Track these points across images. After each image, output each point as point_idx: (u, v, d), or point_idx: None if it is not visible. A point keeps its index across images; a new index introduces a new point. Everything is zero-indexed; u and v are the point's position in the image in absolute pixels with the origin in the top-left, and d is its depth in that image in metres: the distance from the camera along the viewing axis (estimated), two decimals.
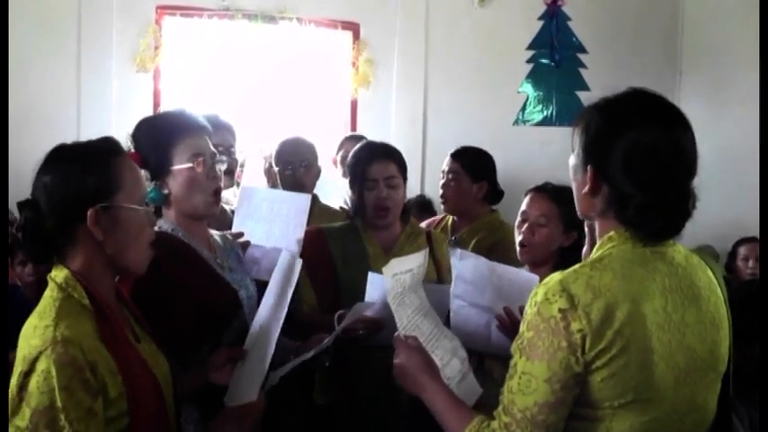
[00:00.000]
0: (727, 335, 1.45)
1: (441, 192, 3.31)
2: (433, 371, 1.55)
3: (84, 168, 1.47)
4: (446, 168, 3.30)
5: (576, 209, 1.52)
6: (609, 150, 1.37)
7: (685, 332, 1.35)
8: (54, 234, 1.46)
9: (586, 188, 1.42)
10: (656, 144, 1.36)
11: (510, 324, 2.04)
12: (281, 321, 1.74)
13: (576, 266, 1.37)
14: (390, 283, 1.61)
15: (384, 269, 1.57)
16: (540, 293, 1.34)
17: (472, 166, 3.26)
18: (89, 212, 1.44)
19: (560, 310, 1.30)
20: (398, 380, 1.57)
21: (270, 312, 1.81)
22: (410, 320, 1.65)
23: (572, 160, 1.49)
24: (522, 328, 1.35)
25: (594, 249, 1.44)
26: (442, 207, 3.39)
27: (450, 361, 1.70)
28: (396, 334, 1.60)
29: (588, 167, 1.41)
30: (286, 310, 1.76)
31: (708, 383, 1.41)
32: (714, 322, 1.41)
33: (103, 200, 1.46)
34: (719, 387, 1.45)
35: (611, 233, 1.41)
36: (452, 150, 3.35)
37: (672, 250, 1.42)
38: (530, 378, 1.31)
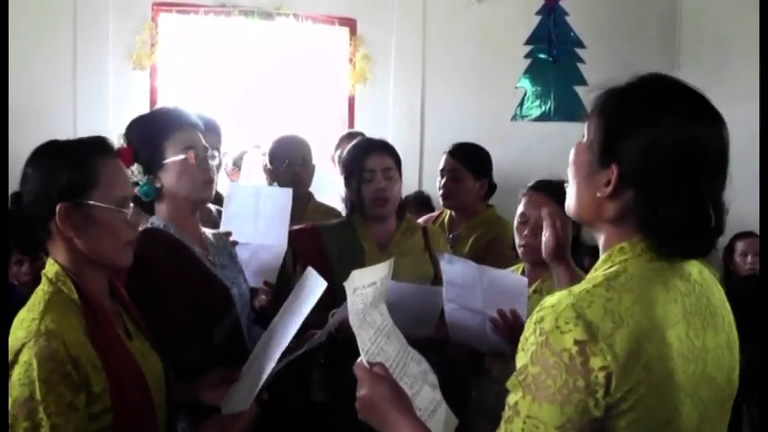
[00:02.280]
0: (738, 357, 1.28)
1: (441, 191, 3.27)
2: (405, 404, 1.32)
3: (59, 163, 1.48)
4: (446, 167, 3.27)
5: (572, 212, 1.29)
6: (645, 148, 1.14)
7: (707, 360, 1.17)
8: (33, 227, 1.48)
9: (606, 191, 1.19)
10: (703, 143, 1.15)
11: (504, 327, 2.03)
12: (289, 339, 1.68)
13: (588, 286, 1.14)
14: (351, 300, 1.39)
15: (345, 284, 1.39)
16: (548, 320, 1.10)
17: (474, 164, 3.24)
18: (58, 207, 1.44)
19: (576, 342, 1.07)
20: (363, 415, 1.33)
21: (280, 327, 1.77)
22: (373, 343, 1.42)
23: (578, 156, 1.26)
24: (524, 360, 1.12)
25: (601, 262, 1.23)
26: (441, 203, 3.37)
27: (421, 389, 1.47)
28: (358, 361, 1.38)
29: (612, 167, 1.17)
30: (297, 328, 1.70)
31: (724, 414, 1.25)
32: (729, 345, 1.24)
33: (75, 196, 1.46)
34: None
35: (624, 244, 1.19)
36: (449, 148, 3.33)
37: (687, 264, 1.22)
38: (537, 423, 1.08)
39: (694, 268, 1.24)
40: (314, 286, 1.75)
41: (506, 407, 1.14)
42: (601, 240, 1.26)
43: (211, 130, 2.74)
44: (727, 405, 1.25)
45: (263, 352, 1.72)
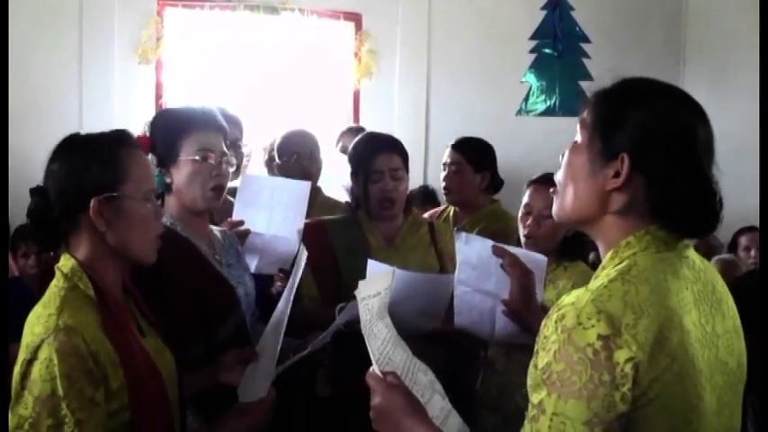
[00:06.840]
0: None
1: (443, 183, 3.31)
2: (420, 412, 1.31)
3: (89, 158, 1.48)
4: (448, 160, 3.31)
5: (570, 213, 1.30)
6: (646, 130, 1.19)
7: (718, 345, 1.20)
8: (59, 221, 1.47)
9: (618, 181, 1.20)
10: (695, 123, 1.21)
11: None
12: (287, 315, 1.74)
13: (603, 281, 1.16)
14: (360, 310, 1.39)
15: (355, 293, 1.40)
16: (569, 317, 1.11)
17: (475, 156, 3.26)
18: (92, 202, 1.44)
19: (600, 337, 1.08)
20: (377, 426, 1.32)
21: (281, 308, 1.81)
22: (381, 353, 1.41)
23: (576, 157, 1.28)
24: (547, 358, 1.11)
25: (608, 259, 1.24)
26: (444, 198, 3.40)
27: (432, 398, 1.45)
28: (371, 370, 1.37)
29: (622, 155, 1.20)
30: (291, 303, 1.75)
31: (738, 398, 1.26)
32: (736, 329, 1.27)
33: (107, 190, 1.46)
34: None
35: (629, 239, 1.22)
36: (452, 141, 3.36)
37: (691, 253, 1.25)
38: (564, 420, 1.08)
39: (696, 257, 1.27)
40: (300, 258, 1.82)
41: (530, 406, 1.14)
42: (602, 237, 1.28)
43: (231, 123, 2.75)
44: (739, 389, 1.26)
45: (275, 335, 1.76)
